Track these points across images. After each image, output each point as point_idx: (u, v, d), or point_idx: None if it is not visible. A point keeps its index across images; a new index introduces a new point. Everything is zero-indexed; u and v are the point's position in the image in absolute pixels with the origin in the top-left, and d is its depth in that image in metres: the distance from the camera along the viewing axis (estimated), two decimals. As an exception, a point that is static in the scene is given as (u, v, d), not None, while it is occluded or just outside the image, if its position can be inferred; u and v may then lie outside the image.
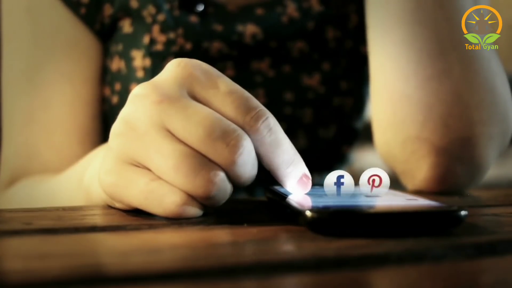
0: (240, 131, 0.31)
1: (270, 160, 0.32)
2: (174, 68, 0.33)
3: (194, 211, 0.32)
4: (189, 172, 0.30)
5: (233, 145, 0.30)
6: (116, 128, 0.33)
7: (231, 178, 0.32)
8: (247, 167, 0.31)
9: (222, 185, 0.31)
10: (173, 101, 0.31)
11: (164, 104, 0.31)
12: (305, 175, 0.34)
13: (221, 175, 0.31)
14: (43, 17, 0.56)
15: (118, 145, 0.33)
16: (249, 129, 0.32)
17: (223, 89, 0.32)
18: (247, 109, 0.32)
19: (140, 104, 0.32)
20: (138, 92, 0.33)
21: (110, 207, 0.36)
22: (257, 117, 0.32)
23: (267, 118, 0.32)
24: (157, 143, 0.31)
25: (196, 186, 0.30)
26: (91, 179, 0.38)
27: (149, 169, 0.32)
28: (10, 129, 0.57)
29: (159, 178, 0.31)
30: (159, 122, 0.31)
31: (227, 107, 0.32)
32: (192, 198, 0.31)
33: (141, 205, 0.32)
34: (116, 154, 0.33)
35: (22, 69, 0.57)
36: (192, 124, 0.31)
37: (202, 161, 0.31)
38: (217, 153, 0.31)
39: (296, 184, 0.33)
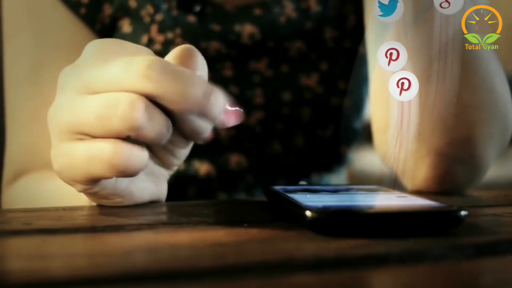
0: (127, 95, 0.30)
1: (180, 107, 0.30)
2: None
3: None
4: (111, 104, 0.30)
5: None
6: (50, 111, 0.34)
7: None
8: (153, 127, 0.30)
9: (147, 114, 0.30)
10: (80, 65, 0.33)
11: (76, 68, 0.33)
12: (229, 106, 0.32)
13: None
14: (44, 17, 0.56)
15: (53, 124, 0.33)
16: (137, 82, 0.30)
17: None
18: (129, 64, 0.30)
19: (64, 89, 0.33)
20: (63, 80, 0.34)
21: (111, 207, 0.36)
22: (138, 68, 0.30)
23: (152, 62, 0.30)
24: (77, 103, 0.32)
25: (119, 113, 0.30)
26: None
27: (82, 134, 0.32)
28: (13, 127, 0.57)
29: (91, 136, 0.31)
30: (76, 85, 0.32)
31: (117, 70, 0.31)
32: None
33: (88, 171, 0.31)
34: (55, 134, 0.33)
35: (24, 68, 0.57)
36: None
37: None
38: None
39: (224, 116, 0.31)
